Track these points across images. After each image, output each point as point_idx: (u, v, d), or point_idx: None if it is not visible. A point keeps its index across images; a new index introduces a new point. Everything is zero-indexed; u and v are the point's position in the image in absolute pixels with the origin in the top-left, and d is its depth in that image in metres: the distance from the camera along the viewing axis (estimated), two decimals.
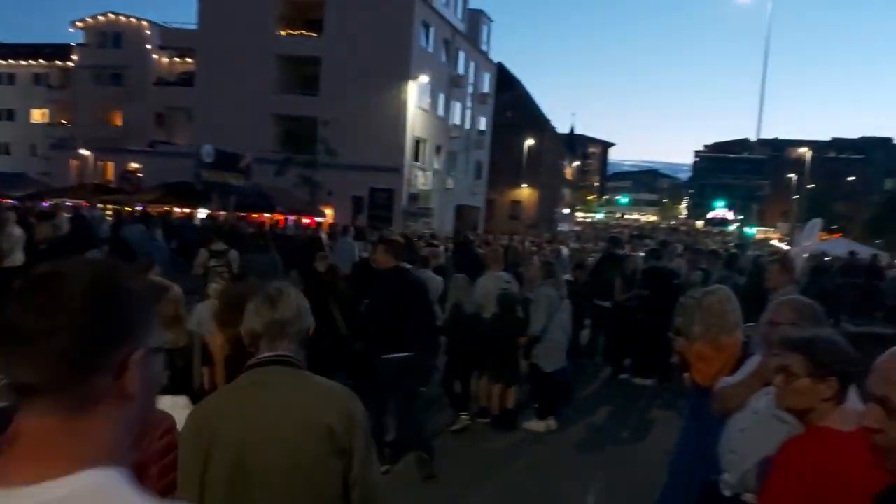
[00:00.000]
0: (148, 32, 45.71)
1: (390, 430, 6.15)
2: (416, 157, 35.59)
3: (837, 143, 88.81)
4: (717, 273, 10.82)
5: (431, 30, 36.50)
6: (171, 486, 2.15)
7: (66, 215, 18.19)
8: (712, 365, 4.62)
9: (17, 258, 10.13)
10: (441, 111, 39.15)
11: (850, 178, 77.77)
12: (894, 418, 1.40)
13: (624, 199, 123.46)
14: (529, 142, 55.51)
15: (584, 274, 12.22)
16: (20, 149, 52.61)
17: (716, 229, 74.26)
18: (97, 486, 0.94)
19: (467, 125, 44.27)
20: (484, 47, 46.85)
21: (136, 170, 30.65)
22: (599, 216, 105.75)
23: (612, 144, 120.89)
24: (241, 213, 24.08)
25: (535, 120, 59.19)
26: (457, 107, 42.05)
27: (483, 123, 47.86)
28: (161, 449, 2.18)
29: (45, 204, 21.68)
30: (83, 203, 23.63)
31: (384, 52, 32.82)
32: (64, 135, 45.80)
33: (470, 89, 44.18)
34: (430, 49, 36.72)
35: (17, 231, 10.46)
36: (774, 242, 40.99)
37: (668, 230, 69.38)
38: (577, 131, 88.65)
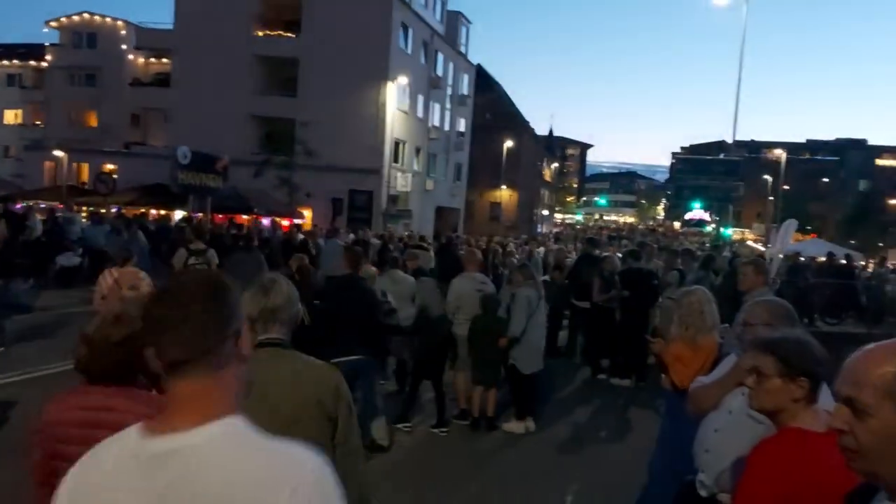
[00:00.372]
0: (123, 32, 45.20)
1: None
2: (395, 159, 35.51)
3: (812, 145, 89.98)
4: (692, 274, 10.91)
5: (410, 31, 36.46)
6: None
7: (40, 217, 18.00)
8: (690, 366, 4.65)
9: None
10: (420, 113, 39.11)
11: (825, 180, 78.86)
12: (861, 419, 1.40)
13: (602, 201, 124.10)
14: (508, 143, 55.65)
15: (562, 275, 12.29)
16: None
17: (693, 230, 74.95)
18: (233, 428, 1.37)
19: (447, 127, 44.26)
20: (462, 49, 46.87)
21: (112, 171, 30.18)
22: (578, 217, 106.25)
23: (590, 146, 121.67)
24: (219, 215, 23.92)
25: (513, 122, 59.36)
26: (436, 108, 42.03)
27: (462, 125, 47.89)
28: None
29: (18, 206, 21.37)
30: (57, 205, 23.34)
31: (363, 53, 32.72)
32: (38, 136, 45.16)
33: (449, 91, 44.18)
34: (409, 50, 36.67)
35: None
36: (750, 243, 41.44)
37: (645, 231, 69.88)
38: (556, 133, 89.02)
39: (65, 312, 12.23)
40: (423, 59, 38.98)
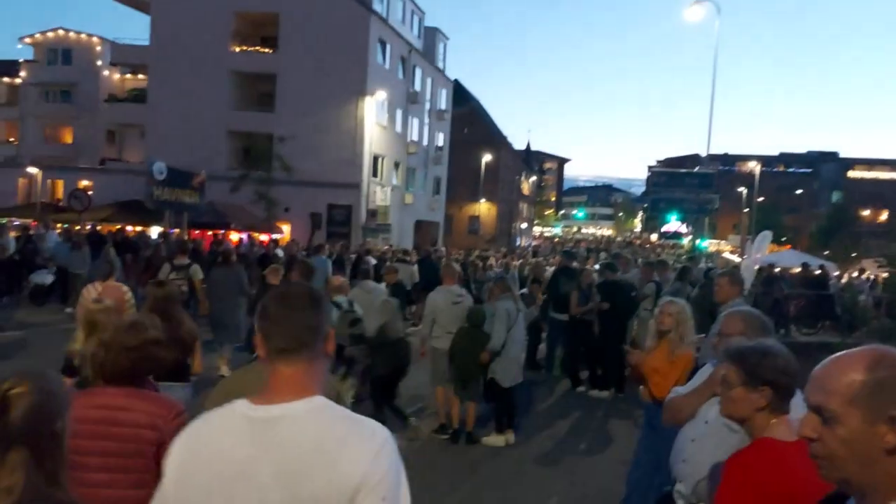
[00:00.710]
0: (99, 49, 44.81)
1: None
2: (374, 173, 35.48)
3: (785, 158, 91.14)
4: (669, 285, 10.99)
5: (388, 47, 36.55)
6: None
7: (13, 235, 17.76)
8: (668, 378, 4.69)
9: None
10: (399, 127, 39.16)
11: (799, 192, 79.90)
12: (830, 427, 1.41)
13: (580, 214, 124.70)
14: (487, 157, 55.88)
15: (540, 288, 12.32)
16: None
17: (670, 242, 75.52)
18: (321, 403, 1.75)
19: (425, 141, 44.34)
20: (440, 64, 47.08)
21: (87, 188, 29.86)
22: (557, 230, 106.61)
23: (567, 160, 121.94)
24: (196, 231, 23.74)
25: (491, 136, 59.65)
26: (415, 123, 42.11)
27: (441, 139, 48.02)
28: (176, 427, 2.58)
29: None
30: (32, 223, 23.03)
31: (341, 68, 32.74)
32: (11, 153, 44.58)
33: (427, 106, 44.32)
34: (387, 66, 36.75)
35: None
36: (726, 255, 41.83)
37: (622, 244, 70.26)
38: (534, 147, 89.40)
39: (41, 330, 12.06)
40: (401, 75, 39.09)
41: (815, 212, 73.23)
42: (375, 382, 7.56)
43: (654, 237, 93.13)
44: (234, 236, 24.29)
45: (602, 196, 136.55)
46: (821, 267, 21.84)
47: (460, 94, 52.90)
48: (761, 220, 48.09)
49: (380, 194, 36.15)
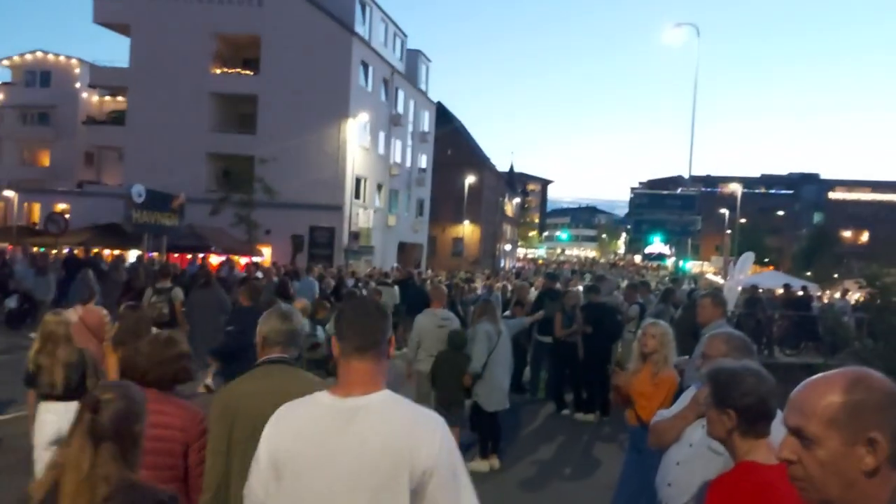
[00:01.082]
0: (77, 71, 44.67)
1: None
2: (356, 195, 35.40)
3: (767, 180, 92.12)
4: (653, 307, 10.94)
5: (370, 69, 36.67)
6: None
7: None
8: (653, 400, 4.68)
9: None
10: (381, 149, 39.19)
11: (780, 213, 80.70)
12: (809, 449, 1.42)
13: (564, 235, 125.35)
14: (470, 179, 56.08)
15: (523, 311, 12.20)
16: None
17: (654, 263, 75.86)
18: (389, 395, 2.08)
19: (408, 163, 44.42)
20: (423, 87, 47.33)
21: (64, 211, 29.53)
22: (541, 252, 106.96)
23: (550, 182, 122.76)
24: (175, 254, 23.48)
25: (475, 158, 59.94)
26: (397, 145, 42.19)
27: (424, 161, 48.14)
28: (199, 432, 3.04)
29: None
30: (8, 247, 22.68)
31: (323, 90, 32.77)
32: None
33: (410, 128, 44.46)
34: (370, 88, 36.84)
35: None
36: (709, 276, 42.05)
37: (606, 265, 70.55)
38: (517, 169, 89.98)
39: (15, 355, 11.78)
40: (383, 97, 39.21)
41: (797, 233, 73.92)
42: None
43: (637, 258, 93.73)
44: (214, 259, 23.98)
45: (585, 217, 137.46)
46: (803, 288, 21.93)
47: (443, 116, 53.17)
48: (743, 242, 48.43)
49: (362, 216, 36.06)
